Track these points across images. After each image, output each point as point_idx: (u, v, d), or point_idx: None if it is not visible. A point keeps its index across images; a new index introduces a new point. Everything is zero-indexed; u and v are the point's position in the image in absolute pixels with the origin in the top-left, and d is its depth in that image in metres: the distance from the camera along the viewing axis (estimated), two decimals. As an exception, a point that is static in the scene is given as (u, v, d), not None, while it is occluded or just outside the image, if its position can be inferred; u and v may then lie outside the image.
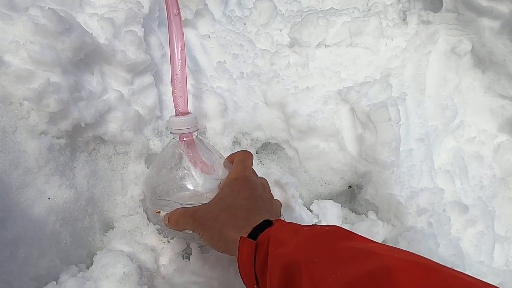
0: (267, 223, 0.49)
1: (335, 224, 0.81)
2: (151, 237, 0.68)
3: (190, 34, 0.96)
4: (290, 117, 0.89)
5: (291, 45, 1.03)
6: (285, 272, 0.40)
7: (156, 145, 0.76)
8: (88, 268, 0.60)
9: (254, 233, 0.48)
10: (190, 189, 0.66)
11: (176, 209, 0.61)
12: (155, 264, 0.64)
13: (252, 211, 0.53)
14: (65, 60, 0.61)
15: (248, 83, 0.94)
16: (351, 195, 0.97)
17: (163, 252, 0.67)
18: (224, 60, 0.95)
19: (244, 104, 0.92)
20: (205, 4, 0.99)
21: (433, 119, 0.95)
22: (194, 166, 0.67)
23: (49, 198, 0.57)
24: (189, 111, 0.68)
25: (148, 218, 0.70)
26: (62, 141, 0.61)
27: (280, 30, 1.12)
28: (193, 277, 0.64)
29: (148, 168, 0.74)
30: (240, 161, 0.64)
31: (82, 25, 0.65)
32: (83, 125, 0.63)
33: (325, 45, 1.00)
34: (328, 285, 0.35)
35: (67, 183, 0.61)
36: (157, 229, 0.69)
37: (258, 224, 0.49)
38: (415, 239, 0.76)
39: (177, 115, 0.67)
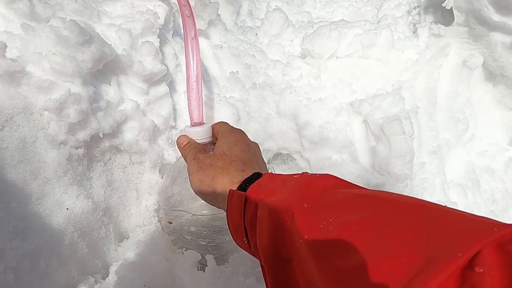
0: (257, 176, 0.48)
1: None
2: (165, 247, 0.68)
3: (203, 44, 0.96)
4: (303, 128, 0.89)
5: (303, 56, 1.04)
6: (275, 218, 0.39)
7: (170, 154, 0.76)
8: (104, 279, 0.60)
9: (244, 185, 0.47)
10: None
11: (191, 141, 0.61)
12: (170, 275, 0.64)
13: (247, 163, 0.52)
14: (85, 70, 0.61)
15: (260, 93, 0.94)
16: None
17: (178, 263, 0.66)
18: (237, 70, 0.95)
19: (256, 114, 0.93)
20: (218, 14, 1.00)
21: (445, 132, 0.95)
22: None
23: (67, 209, 0.57)
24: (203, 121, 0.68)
25: (162, 229, 0.70)
26: (80, 151, 0.61)
27: (291, 40, 1.13)
28: (208, 288, 0.63)
29: (162, 178, 0.74)
30: (224, 123, 0.63)
31: (101, 36, 0.66)
32: (101, 135, 0.63)
33: (337, 57, 1.01)
34: (321, 231, 0.34)
35: (85, 193, 0.61)
36: (171, 240, 0.69)
37: (248, 177, 0.48)
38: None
39: (192, 125, 0.67)
